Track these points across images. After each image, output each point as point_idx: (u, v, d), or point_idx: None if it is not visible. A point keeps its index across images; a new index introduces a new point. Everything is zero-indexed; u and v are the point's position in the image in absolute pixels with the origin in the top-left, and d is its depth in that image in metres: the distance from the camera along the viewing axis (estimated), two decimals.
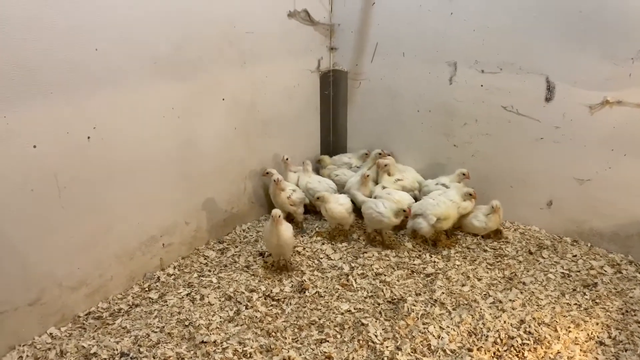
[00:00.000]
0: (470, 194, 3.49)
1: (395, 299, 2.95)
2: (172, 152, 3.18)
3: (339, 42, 4.27)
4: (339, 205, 3.53)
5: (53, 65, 2.40)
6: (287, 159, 3.93)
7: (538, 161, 3.58)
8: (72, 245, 2.71)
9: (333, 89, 4.43)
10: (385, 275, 3.19)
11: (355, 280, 3.15)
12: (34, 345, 2.59)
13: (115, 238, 2.94)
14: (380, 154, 4.08)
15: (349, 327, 2.71)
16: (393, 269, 3.27)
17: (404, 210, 3.36)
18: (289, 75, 4.00)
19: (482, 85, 3.63)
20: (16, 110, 2.30)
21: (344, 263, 3.34)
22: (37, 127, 2.41)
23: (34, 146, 2.42)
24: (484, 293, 2.99)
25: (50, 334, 2.67)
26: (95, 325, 2.75)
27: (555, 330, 2.65)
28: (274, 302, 2.95)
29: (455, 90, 3.77)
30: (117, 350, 2.53)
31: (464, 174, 3.71)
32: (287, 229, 3.12)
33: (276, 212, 3.07)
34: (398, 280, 3.13)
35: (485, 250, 3.47)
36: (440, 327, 2.70)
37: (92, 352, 2.52)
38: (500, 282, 3.10)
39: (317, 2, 4.01)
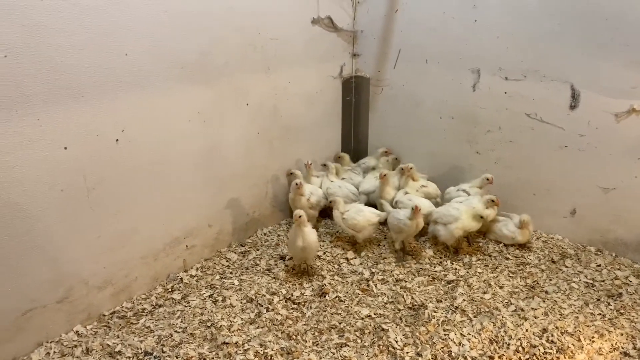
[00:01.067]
0: (493, 201, 3.47)
1: (416, 305, 2.95)
2: (196, 156, 3.23)
3: (361, 49, 4.30)
4: (357, 215, 3.52)
5: (85, 70, 2.47)
6: (310, 164, 3.95)
7: (562, 169, 3.55)
8: (99, 246, 2.77)
9: (355, 95, 4.46)
10: (406, 281, 3.19)
11: (375, 285, 3.16)
12: (61, 342, 2.65)
13: (140, 239, 3.00)
14: (386, 152, 4.16)
15: (369, 332, 2.72)
16: (414, 275, 3.26)
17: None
18: (312, 81, 4.03)
19: (505, 93, 3.62)
20: (49, 112, 2.38)
21: (364, 268, 3.35)
22: (68, 129, 2.48)
23: (65, 147, 2.49)
24: (506, 301, 2.97)
25: (77, 331, 2.73)
26: (120, 324, 2.80)
27: (579, 340, 2.62)
28: (295, 306, 2.97)
29: (479, 97, 3.76)
30: (140, 349, 2.58)
31: (487, 179, 3.67)
32: (311, 232, 3.14)
33: (297, 212, 3.09)
34: (419, 287, 3.13)
35: (507, 258, 3.45)
36: (461, 334, 2.68)
37: (116, 350, 2.57)
38: (522, 290, 3.08)
39: (340, 9, 4.05)
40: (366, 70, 4.34)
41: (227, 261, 3.48)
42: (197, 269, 3.36)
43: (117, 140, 2.72)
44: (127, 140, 2.77)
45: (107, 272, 2.85)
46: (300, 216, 3.09)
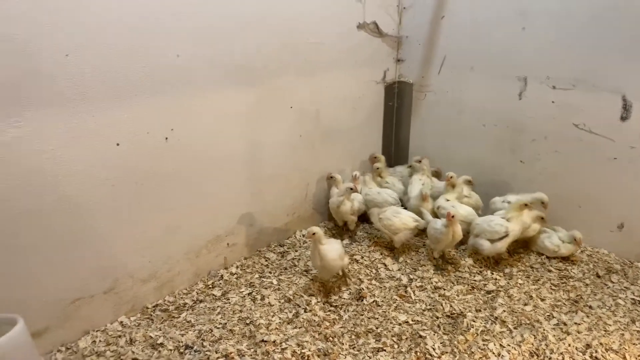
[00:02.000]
0: (542, 217, 3.41)
1: (454, 313, 2.92)
2: (240, 156, 3.30)
3: (405, 54, 4.29)
4: (393, 217, 3.51)
5: (138, 70, 2.56)
6: (357, 176, 3.94)
7: (610, 182, 3.44)
8: (145, 240, 2.86)
9: (397, 100, 4.45)
10: (444, 289, 3.16)
11: (413, 292, 3.14)
12: (106, 331, 2.75)
13: (184, 235, 3.08)
14: (418, 160, 4.14)
15: (406, 338, 2.71)
16: (453, 283, 3.23)
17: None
18: (355, 85, 4.05)
19: (553, 102, 3.54)
20: (104, 110, 2.48)
21: (402, 274, 3.34)
22: (120, 126, 2.57)
23: (117, 144, 2.58)
24: (548, 314, 2.90)
25: (121, 322, 2.83)
26: (162, 317, 2.88)
27: (624, 358, 2.54)
28: (332, 308, 2.98)
29: (525, 105, 3.69)
30: (182, 342, 2.64)
31: (543, 203, 3.46)
32: (330, 250, 2.98)
33: (311, 229, 2.94)
34: (457, 295, 3.09)
35: (549, 271, 3.37)
36: (500, 344, 2.64)
37: (158, 342, 2.65)
38: (565, 304, 3.00)
39: (386, 15, 4.06)
40: (410, 76, 4.33)
41: (266, 260, 3.53)
42: (237, 267, 3.42)
43: (166, 138, 2.80)
44: (176, 139, 2.85)
45: (152, 266, 2.94)
46: (314, 233, 2.94)
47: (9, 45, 2.08)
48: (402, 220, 3.47)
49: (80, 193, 2.48)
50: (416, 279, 3.28)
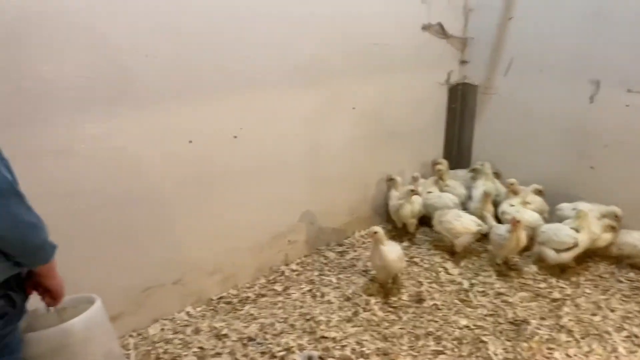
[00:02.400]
0: (613, 227, 3.27)
1: (517, 320, 2.85)
2: (302, 156, 3.37)
3: (471, 56, 4.23)
4: (455, 221, 3.46)
5: (210, 71, 2.68)
6: (417, 177, 3.94)
7: None
8: (212, 234, 2.97)
9: (461, 102, 4.39)
10: (507, 295, 3.09)
11: (475, 296, 3.09)
12: (174, 320, 2.88)
13: (248, 231, 3.18)
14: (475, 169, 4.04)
15: (467, 342, 2.68)
16: (516, 290, 3.16)
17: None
18: (418, 87, 4.03)
19: (627, 105, 3.39)
20: (178, 109, 2.60)
21: (463, 279, 3.30)
22: (193, 124, 2.70)
23: (190, 141, 2.71)
24: (618, 325, 2.78)
25: (188, 312, 2.95)
26: (226, 309, 2.99)
27: None
28: (391, 309, 2.99)
29: (596, 109, 3.55)
30: (245, 334, 2.73)
31: (617, 216, 3.32)
32: (391, 251, 3.01)
33: (373, 228, 3.01)
34: (521, 302, 3.02)
35: (619, 281, 3.23)
36: (566, 354, 2.56)
37: (222, 333, 2.75)
38: (637, 316, 2.87)
39: (452, 16, 4.02)
40: (474, 78, 4.26)
41: (326, 259, 3.58)
42: (298, 264, 3.49)
43: (235, 137, 2.91)
44: (244, 138, 2.95)
45: (217, 259, 3.05)
46: (375, 232, 2.98)
47: (96, 47, 2.23)
48: (463, 224, 3.42)
49: (156, 187, 2.62)
50: (478, 284, 3.23)
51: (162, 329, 2.81)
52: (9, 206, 1.30)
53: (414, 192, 3.63)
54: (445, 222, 3.46)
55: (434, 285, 3.24)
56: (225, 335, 2.73)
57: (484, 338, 2.70)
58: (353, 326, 2.82)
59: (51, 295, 1.60)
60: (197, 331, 2.79)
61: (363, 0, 3.37)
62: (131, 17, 2.31)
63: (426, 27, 3.84)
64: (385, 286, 3.17)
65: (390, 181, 3.90)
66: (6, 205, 1.28)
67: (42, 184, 1.81)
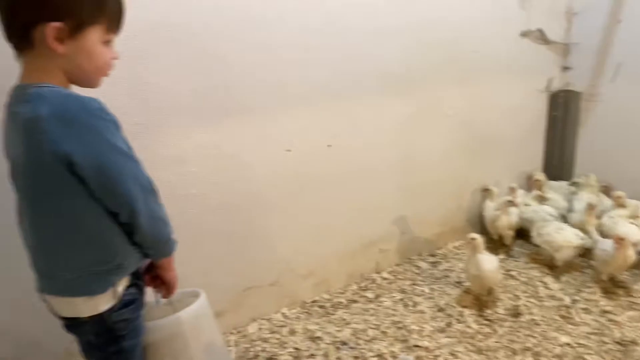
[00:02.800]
0: None
1: (625, 340, 2.67)
2: (394, 164, 3.39)
3: (573, 62, 4.03)
4: (556, 234, 3.30)
5: (304, 82, 2.80)
6: (515, 188, 3.81)
7: None
8: (307, 239, 3.08)
9: (562, 110, 4.19)
10: (613, 314, 2.90)
11: (577, 313, 2.93)
12: (271, 320, 3.01)
13: (340, 237, 3.25)
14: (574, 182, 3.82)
15: None
16: (623, 308, 2.95)
17: None
18: (516, 94, 3.91)
19: None
20: (279, 118, 2.75)
21: (564, 294, 3.14)
22: (290, 133, 2.83)
23: (288, 150, 2.84)
24: None
25: (283, 313, 3.07)
26: (319, 313, 3.07)
27: None
28: (486, 322, 2.91)
29: None
30: (338, 338, 2.79)
31: None
32: (488, 260, 2.94)
33: (471, 235, 2.95)
34: (630, 322, 2.82)
35: None
36: None
37: (316, 335, 2.83)
38: None
39: (553, 21, 3.86)
40: (578, 85, 4.05)
41: (418, 269, 3.56)
42: (389, 273, 3.51)
43: (329, 145, 3.00)
44: (338, 146, 3.04)
45: (311, 263, 3.16)
46: (473, 239, 2.92)
47: (209, 62, 2.42)
48: (564, 237, 3.26)
49: (257, 192, 2.77)
50: (580, 301, 3.06)
51: (260, 328, 2.95)
52: (149, 202, 1.46)
53: (510, 202, 3.51)
54: (546, 234, 3.31)
55: (532, 299, 3.11)
56: (319, 338, 2.81)
57: (587, 357, 2.55)
58: (446, 337, 2.78)
59: (167, 288, 1.76)
60: (292, 332, 2.90)
61: (458, 7, 3.34)
62: (236, 37, 2.49)
63: (525, 34, 3.72)
64: (480, 298, 3.10)
65: (486, 191, 3.81)
66: (147, 201, 1.44)
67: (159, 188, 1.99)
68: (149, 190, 1.47)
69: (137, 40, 2.16)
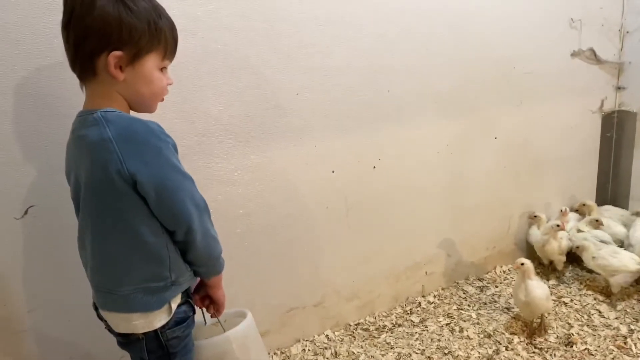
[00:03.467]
0: None
1: None
2: (441, 185, 3.35)
3: (628, 81, 3.91)
4: (611, 258, 3.15)
5: (354, 104, 2.82)
6: (566, 211, 3.68)
7: None
8: (351, 260, 3.07)
9: (617, 131, 4.05)
10: None
11: (635, 344, 2.79)
12: (314, 342, 3.01)
13: (385, 259, 3.23)
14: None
15: None
16: None
17: None
18: (567, 115, 3.82)
19: None
20: (324, 140, 2.78)
21: (620, 323, 2.99)
22: (336, 155, 2.85)
23: (333, 171, 2.86)
24: None
25: (327, 335, 3.06)
26: (363, 336, 3.04)
27: None
28: (536, 350, 2.81)
29: None
30: None
31: None
32: (538, 286, 2.84)
33: (519, 260, 2.86)
34: None
35: None
36: None
37: (360, 358, 2.81)
38: None
39: (605, 40, 3.77)
40: (633, 105, 3.91)
41: (464, 293, 3.48)
42: (435, 296, 3.45)
43: (374, 167, 3.01)
44: (382, 168, 3.04)
45: (355, 285, 3.14)
46: (522, 264, 2.84)
47: (258, 88, 2.49)
48: (621, 261, 3.12)
49: (302, 212, 2.80)
50: (638, 330, 2.90)
51: (304, 350, 2.95)
52: (203, 221, 1.52)
53: (558, 227, 3.39)
54: (600, 258, 3.17)
55: (585, 328, 2.98)
56: None
57: None
58: None
59: (215, 307, 1.80)
60: (335, 355, 2.88)
61: (509, 26, 3.32)
62: (286, 61, 2.55)
63: (576, 54, 3.65)
64: (530, 325, 3.00)
65: (534, 218, 3.69)
66: (202, 219, 1.50)
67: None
68: (203, 208, 1.53)
69: (190, 66, 2.26)
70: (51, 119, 1.98)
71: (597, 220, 3.60)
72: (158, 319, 1.56)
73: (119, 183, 1.38)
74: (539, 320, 3.01)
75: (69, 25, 1.41)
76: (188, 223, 1.48)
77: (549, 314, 3.08)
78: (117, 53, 1.40)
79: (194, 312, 1.72)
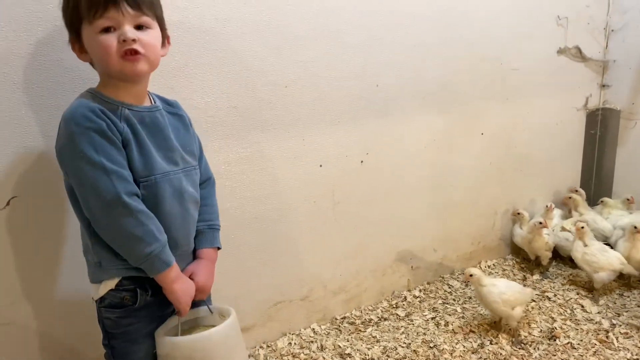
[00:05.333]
0: None
1: None
2: (427, 181, 3.37)
3: (612, 79, 3.96)
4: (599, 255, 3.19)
5: (343, 98, 2.82)
6: (552, 207, 3.71)
7: None
8: (338, 254, 3.08)
9: (600, 128, 4.10)
10: None
11: (616, 338, 2.84)
12: (300, 335, 3.01)
13: (371, 253, 3.24)
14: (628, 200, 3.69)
15: None
16: None
17: None
18: (552, 112, 3.86)
19: None
20: (312, 134, 2.77)
21: (602, 318, 3.04)
22: (324, 149, 2.85)
23: (320, 165, 2.86)
24: None
25: (313, 329, 3.07)
26: (349, 330, 3.05)
27: None
28: (520, 344, 2.84)
29: None
30: (367, 355, 2.77)
31: None
32: (490, 292, 2.78)
33: (467, 271, 2.84)
34: None
35: None
36: None
37: (346, 352, 2.81)
38: None
39: (590, 39, 3.81)
40: (616, 102, 3.97)
41: (450, 287, 3.51)
42: (420, 291, 3.47)
43: (361, 161, 3.01)
44: (370, 162, 3.05)
45: (342, 279, 3.15)
46: (471, 275, 2.81)
47: (243, 80, 2.47)
48: (608, 260, 3.16)
49: (288, 207, 2.79)
50: (620, 325, 2.95)
51: (290, 343, 2.95)
52: (114, 216, 1.56)
53: (541, 224, 3.42)
54: (590, 254, 3.20)
55: (568, 322, 3.03)
56: (349, 355, 2.79)
57: None
58: (479, 358, 2.73)
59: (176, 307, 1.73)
60: (322, 348, 2.88)
61: (495, 24, 3.35)
62: (275, 54, 2.54)
63: (562, 51, 3.68)
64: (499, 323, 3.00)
65: (517, 215, 3.72)
66: (110, 214, 1.56)
67: None
68: (111, 203, 1.46)
69: (177, 57, 2.23)
70: (37, 108, 1.94)
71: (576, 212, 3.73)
72: (94, 292, 1.66)
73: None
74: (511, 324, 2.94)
75: None
76: (88, 213, 1.51)
77: (518, 321, 2.91)
78: (70, 38, 1.57)
79: (143, 304, 1.67)
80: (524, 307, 2.93)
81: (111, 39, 1.47)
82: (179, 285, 1.66)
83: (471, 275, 2.85)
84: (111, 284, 1.61)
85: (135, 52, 1.48)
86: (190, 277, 1.77)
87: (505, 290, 2.81)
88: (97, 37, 1.47)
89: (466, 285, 3.51)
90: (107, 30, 1.46)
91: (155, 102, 1.72)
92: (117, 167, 1.46)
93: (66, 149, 1.46)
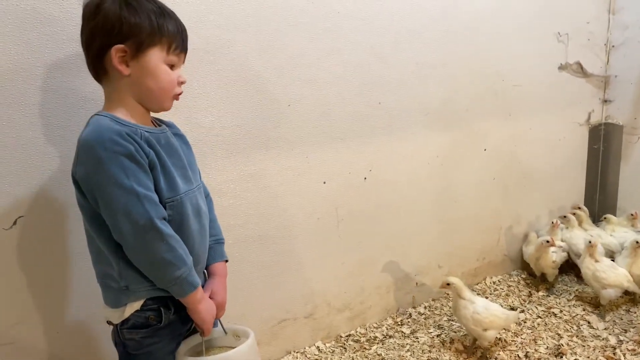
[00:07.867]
0: None
1: None
2: (431, 197, 3.38)
3: (614, 95, 3.98)
4: (608, 269, 3.17)
5: (346, 116, 2.85)
6: (558, 223, 3.69)
7: None
8: (343, 271, 3.07)
9: (603, 143, 4.11)
10: None
11: (624, 355, 2.81)
12: (305, 353, 2.99)
13: (376, 270, 3.23)
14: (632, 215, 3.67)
15: None
16: None
17: None
18: (555, 127, 3.87)
19: None
20: (315, 151, 2.79)
21: (609, 334, 3.01)
22: (327, 166, 2.86)
23: (324, 182, 2.87)
24: None
25: (318, 347, 3.05)
26: (354, 347, 3.03)
27: None
28: None
29: None
30: None
31: None
32: (466, 307, 2.73)
33: (445, 280, 2.80)
34: None
35: None
36: None
37: None
38: None
39: (591, 54, 3.84)
40: (619, 118, 3.98)
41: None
42: (425, 307, 3.45)
43: (365, 178, 3.02)
44: (373, 179, 3.06)
45: (347, 296, 3.14)
46: (448, 283, 2.76)
47: (250, 100, 2.50)
48: (617, 277, 3.14)
49: (292, 224, 2.80)
50: (627, 341, 2.93)
51: None
52: (145, 240, 1.52)
53: (549, 243, 3.41)
54: (600, 270, 3.17)
55: (574, 339, 3.00)
56: None
57: None
58: None
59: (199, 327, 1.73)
60: None
61: (498, 40, 3.39)
62: (278, 74, 2.57)
63: (563, 67, 3.71)
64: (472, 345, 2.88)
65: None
66: (142, 238, 1.53)
67: None
68: (144, 228, 1.45)
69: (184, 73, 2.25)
70: (44, 129, 1.96)
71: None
72: (115, 316, 1.62)
73: (75, 184, 1.50)
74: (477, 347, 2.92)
75: (81, 31, 1.51)
76: (121, 239, 1.48)
77: (490, 343, 2.83)
78: (119, 46, 1.46)
79: (168, 324, 1.66)
80: (500, 330, 2.88)
81: (174, 76, 1.60)
82: (203, 305, 1.67)
83: (448, 284, 2.80)
84: (137, 305, 1.61)
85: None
86: (210, 297, 1.77)
87: (481, 311, 2.72)
88: (162, 66, 1.54)
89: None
90: (169, 64, 1.58)
91: (160, 124, 1.75)
92: (148, 192, 1.47)
93: (95, 174, 1.41)
